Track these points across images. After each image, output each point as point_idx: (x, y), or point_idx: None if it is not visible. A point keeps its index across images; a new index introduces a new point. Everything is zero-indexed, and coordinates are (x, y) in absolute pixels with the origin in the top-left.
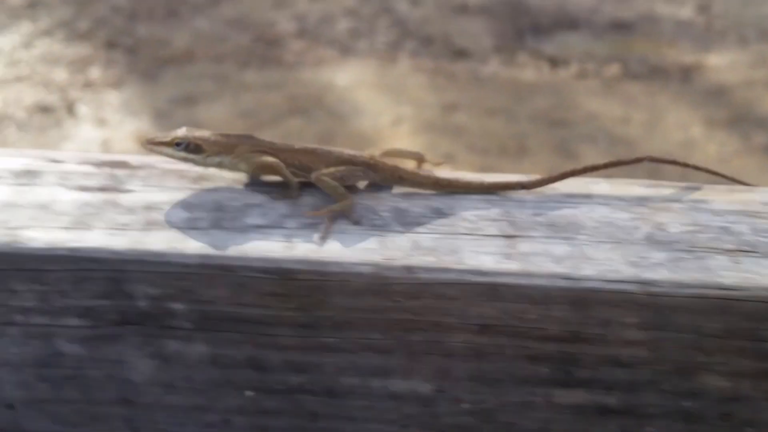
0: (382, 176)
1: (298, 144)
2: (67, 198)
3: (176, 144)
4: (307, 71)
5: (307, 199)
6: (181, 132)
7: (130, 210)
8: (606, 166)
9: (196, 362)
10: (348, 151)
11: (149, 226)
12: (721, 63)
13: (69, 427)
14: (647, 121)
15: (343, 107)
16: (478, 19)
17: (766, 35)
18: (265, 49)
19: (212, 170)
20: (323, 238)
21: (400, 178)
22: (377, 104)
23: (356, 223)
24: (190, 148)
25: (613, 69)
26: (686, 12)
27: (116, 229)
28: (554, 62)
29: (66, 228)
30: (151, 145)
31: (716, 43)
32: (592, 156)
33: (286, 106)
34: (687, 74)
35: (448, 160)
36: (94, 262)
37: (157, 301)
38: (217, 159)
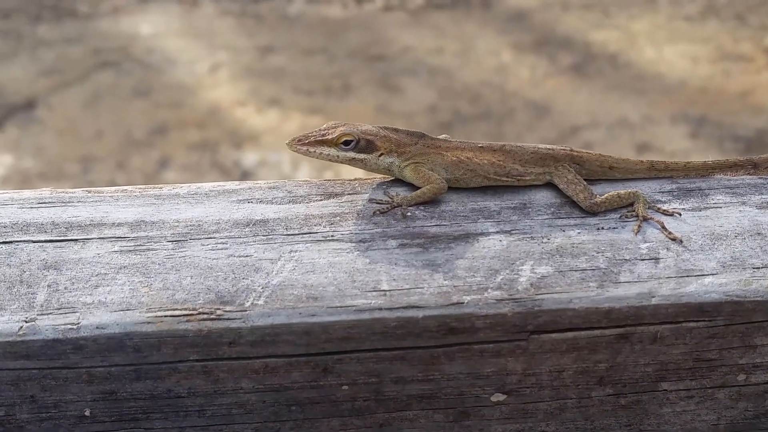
0: (589, 168)
1: (483, 141)
2: None
3: (343, 143)
4: (105, 22)
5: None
6: (341, 127)
7: None
8: None
9: None
10: (542, 146)
11: None
12: None
13: None
14: (460, 51)
15: (155, 57)
16: None
17: None
18: (56, 0)
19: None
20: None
21: (610, 168)
22: (190, 52)
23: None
24: (360, 147)
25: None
26: None
27: None
28: None
29: None
30: (305, 146)
31: None
32: (414, 88)
33: (91, 61)
34: (487, 0)
35: (275, 104)
36: None
37: None
38: (388, 160)
